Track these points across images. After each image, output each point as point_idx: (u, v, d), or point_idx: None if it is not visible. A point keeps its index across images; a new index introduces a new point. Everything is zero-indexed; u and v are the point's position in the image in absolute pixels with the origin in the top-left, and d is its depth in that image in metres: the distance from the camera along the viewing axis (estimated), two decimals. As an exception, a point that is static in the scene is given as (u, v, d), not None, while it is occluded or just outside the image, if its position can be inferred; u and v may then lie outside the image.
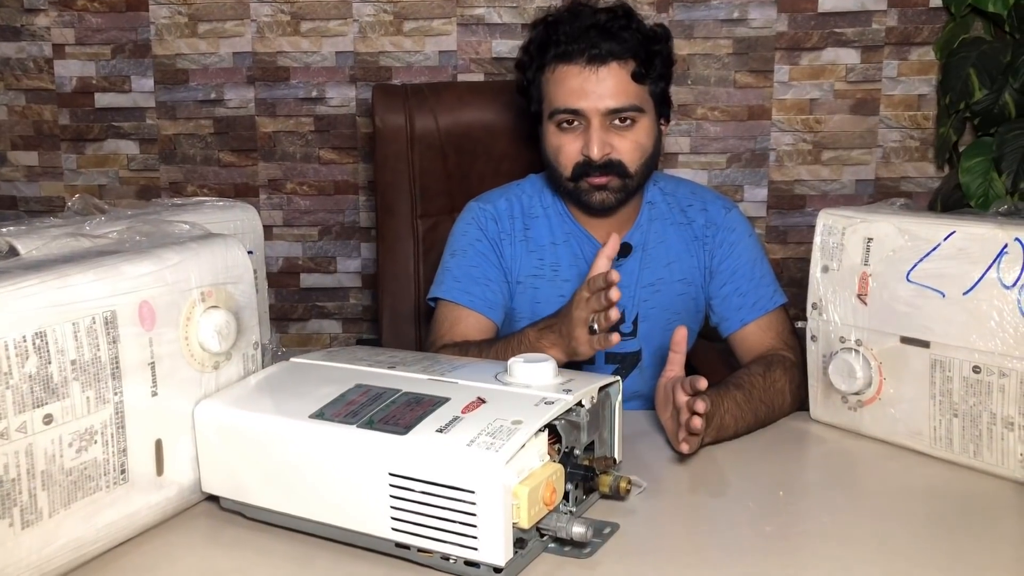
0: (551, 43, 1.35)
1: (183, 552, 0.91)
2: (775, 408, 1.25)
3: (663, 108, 1.41)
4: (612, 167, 1.34)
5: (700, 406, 1.04)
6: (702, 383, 1.04)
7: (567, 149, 1.36)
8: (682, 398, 1.06)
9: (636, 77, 1.33)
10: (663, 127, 1.42)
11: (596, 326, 1.13)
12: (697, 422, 1.04)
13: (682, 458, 1.13)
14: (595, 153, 1.32)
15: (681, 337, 1.13)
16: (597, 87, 1.32)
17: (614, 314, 1.10)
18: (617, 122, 1.33)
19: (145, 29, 2.31)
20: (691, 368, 1.62)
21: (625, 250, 1.44)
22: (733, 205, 1.50)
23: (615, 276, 1.08)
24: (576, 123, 1.34)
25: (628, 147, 1.34)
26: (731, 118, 2.29)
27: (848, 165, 2.30)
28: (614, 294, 1.08)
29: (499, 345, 1.28)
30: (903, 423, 1.15)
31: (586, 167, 1.34)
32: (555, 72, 1.35)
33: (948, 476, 1.08)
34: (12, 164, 2.39)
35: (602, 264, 1.14)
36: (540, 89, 1.39)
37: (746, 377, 1.26)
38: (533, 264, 1.45)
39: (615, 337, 1.10)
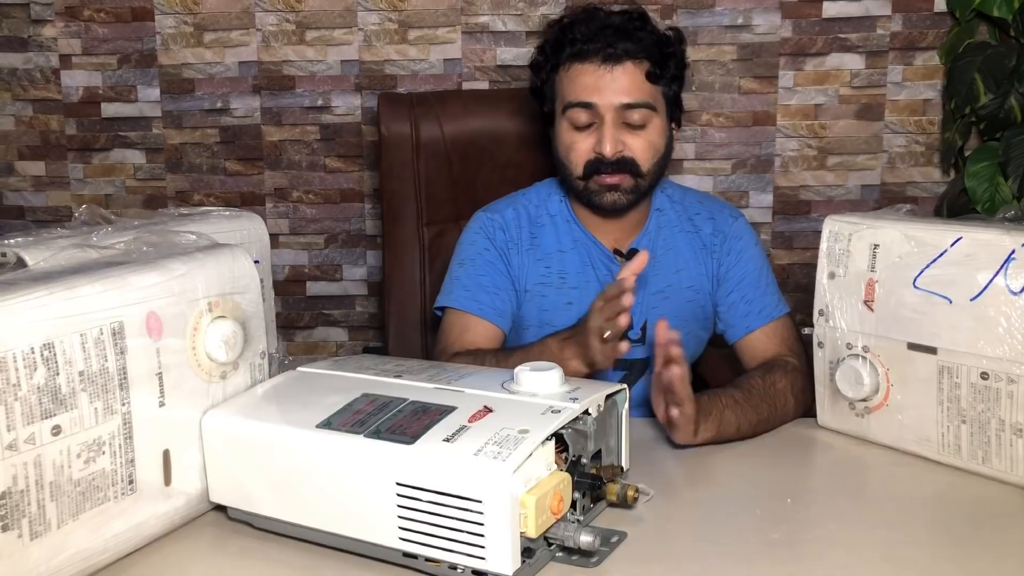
0: (566, 43, 1.36)
1: (191, 562, 0.91)
2: (777, 408, 1.25)
3: (675, 111, 1.41)
4: (625, 165, 1.34)
5: (675, 351, 1.09)
6: (673, 334, 1.10)
7: (579, 147, 1.36)
8: (661, 361, 1.11)
9: (650, 77, 1.34)
10: (674, 131, 1.43)
11: (607, 334, 1.13)
12: (676, 371, 1.08)
13: (689, 466, 1.12)
14: (608, 150, 1.32)
15: (663, 329, 1.14)
16: (611, 84, 1.32)
17: (623, 320, 1.11)
18: (630, 121, 1.34)
19: (151, 39, 2.32)
20: (698, 376, 1.62)
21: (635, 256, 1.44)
22: (740, 214, 1.51)
23: (629, 282, 1.08)
24: (590, 123, 1.34)
25: (641, 146, 1.35)
26: (736, 124, 2.29)
27: (853, 170, 2.29)
28: (626, 300, 1.09)
29: (519, 354, 1.27)
30: (911, 429, 1.14)
31: (598, 164, 1.34)
32: (569, 71, 1.36)
33: (956, 483, 1.08)
34: (19, 174, 2.40)
35: (628, 278, 1.15)
36: (554, 88, 1.40)
37: (745, 379, 1.28)
38: (540, 272, 1.45)
39: (624, 345, 1.12)
